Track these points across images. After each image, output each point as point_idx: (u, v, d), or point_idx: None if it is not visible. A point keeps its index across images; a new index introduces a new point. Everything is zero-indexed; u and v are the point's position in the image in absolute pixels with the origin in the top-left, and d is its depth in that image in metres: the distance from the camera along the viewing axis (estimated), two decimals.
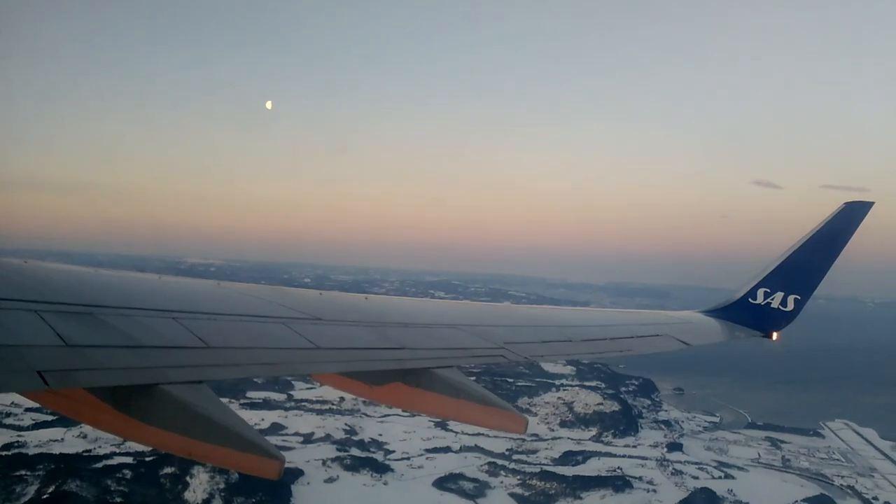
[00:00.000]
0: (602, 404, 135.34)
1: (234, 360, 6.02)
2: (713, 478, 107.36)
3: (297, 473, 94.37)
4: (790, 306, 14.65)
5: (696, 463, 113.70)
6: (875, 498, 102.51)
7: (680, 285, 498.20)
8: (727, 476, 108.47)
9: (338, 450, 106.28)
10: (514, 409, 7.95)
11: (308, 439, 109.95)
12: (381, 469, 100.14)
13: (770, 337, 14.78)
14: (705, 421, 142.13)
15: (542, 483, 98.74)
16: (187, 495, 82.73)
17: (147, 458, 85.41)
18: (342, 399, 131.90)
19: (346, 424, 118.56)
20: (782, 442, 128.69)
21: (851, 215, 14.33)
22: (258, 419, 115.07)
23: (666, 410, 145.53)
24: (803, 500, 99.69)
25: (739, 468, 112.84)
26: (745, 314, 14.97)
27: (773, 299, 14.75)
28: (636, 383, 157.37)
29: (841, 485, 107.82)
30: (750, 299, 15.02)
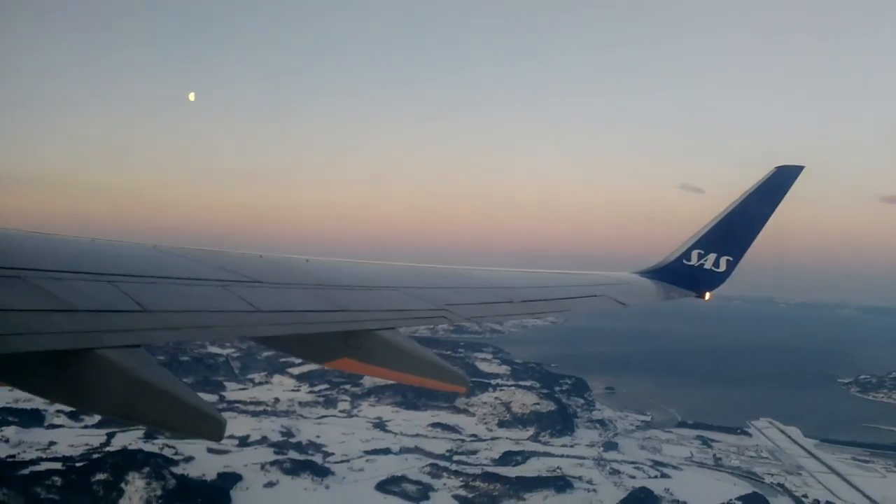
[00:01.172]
0: (538, 404, 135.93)
1: (172, 324, 5.89)
2: (650, 477, 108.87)
3: (235, 478, 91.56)
4: (722, 267, 15.17)
5: (633, 462, 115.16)
6: (805, 496, 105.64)
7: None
8: (663, 475, 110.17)
9: (275, 453, 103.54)
10: (457, 369, 8.16)
11: (244, 442, 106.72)
12: (321, 472, 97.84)
13: (702, 297, 15.32)
14: (637, 420, 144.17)
15: (486, 484, 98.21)
16: (122, 503, 78.78)
17: (78, 464, 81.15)
18: (276, 400, 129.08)
19: (282, 426, 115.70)
20: (712, 441, 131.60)
21: (782, 179, 14.78)
22: None
23: (599, 409, 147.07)
24: (737, 499, 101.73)
25: (674, 467, 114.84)
26: (680, 275, 15.43)
27: (706, 260, 15.24)
28: (569, 382, 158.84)
29: (771, 483, 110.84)
30: (684, 260, 15.44)
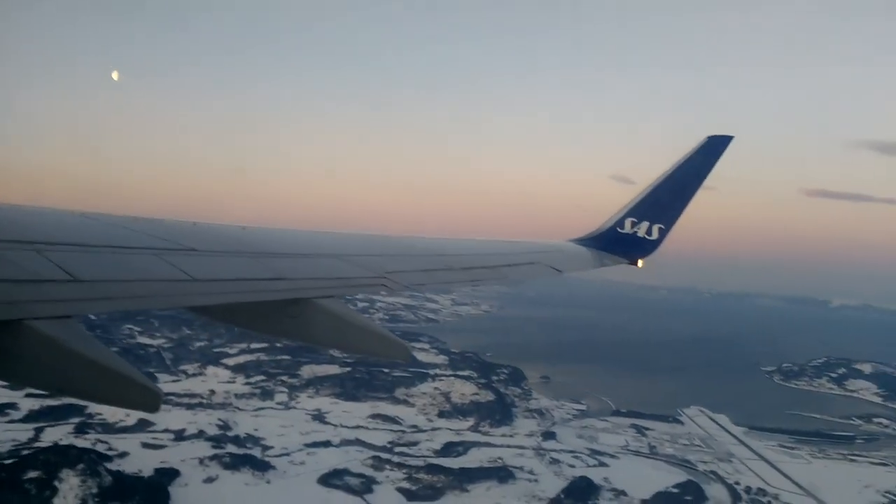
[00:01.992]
0: (477, 394, 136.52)
1: (105, 294, 5.72)
2: (588, 466, 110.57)
3: (173, 474, 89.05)
4: (655, 235, 15.81)
5: (571, 451, 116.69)
6: (737, 483, 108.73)
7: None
8: (601, 464, 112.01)
9: (213, 447, 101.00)
10: (396, 337, 8.29)
11: (180, 436, 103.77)
12: (261, 467, 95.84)
13: (635, 264, 16.04)
14: (573, 409, 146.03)
15: (429, 476, 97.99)
16: (57, 502, 75.50)
17: (6, 461, 77.44)
18: (212, 392, 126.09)
19: (219, 419, 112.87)
20: (646, 429, 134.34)
21: (712, 149, 15.25)
22: (122, 414, 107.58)
23: (536, 399, 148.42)
24: (673, 487, 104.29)
25: (611, 455, 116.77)
26: (614, 242, 16.07)
27: (639, 228, 15.86)
28: (506, 372, 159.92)
29: (704, 470, 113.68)
30: (618, 228, 16.04)
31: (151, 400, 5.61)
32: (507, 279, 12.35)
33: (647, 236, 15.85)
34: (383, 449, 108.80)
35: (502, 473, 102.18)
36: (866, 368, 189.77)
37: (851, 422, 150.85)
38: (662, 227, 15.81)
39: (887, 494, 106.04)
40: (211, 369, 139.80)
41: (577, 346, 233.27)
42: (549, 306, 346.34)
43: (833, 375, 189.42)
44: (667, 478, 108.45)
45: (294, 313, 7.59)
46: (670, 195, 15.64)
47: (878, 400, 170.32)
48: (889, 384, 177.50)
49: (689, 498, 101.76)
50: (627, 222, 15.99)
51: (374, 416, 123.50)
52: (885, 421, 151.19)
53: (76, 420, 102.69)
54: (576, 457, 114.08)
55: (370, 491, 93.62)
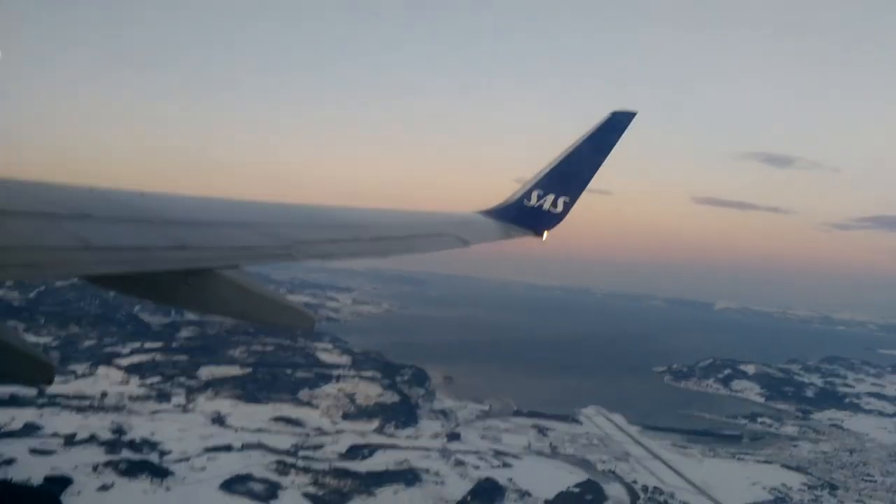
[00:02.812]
0: (382, 395, 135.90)
1: None
2: (493, 466, 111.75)
3: (64, 482, 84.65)
4: (560, 208, 16.16)
5: (475, 452, 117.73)
6: (634, 481, 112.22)
7: (435, 273, 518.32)
8: (505, 464, 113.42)
9: (107, 452, 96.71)
10: (301, 307, 8.33)
11: (71, 441, 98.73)
12: (159, 473, 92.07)
13: (541, 236, 16.29)
14: (476, 409, 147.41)
15: (335, 481, 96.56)
16: None
17: None
18: (104, 394, 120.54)
19: (112, 423, 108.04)
20: (548, 429, 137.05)
21: (616, 124, 15.57)
22: (6, 418, 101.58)
23: (440, 399, 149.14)
24: (574, 486, 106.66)
25: (514, 456, 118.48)
26: (520, 215, 16.26)
27: (545, 201, 16.14)
28: (409, 373, 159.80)
29: (603, 469, 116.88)
30: (525, 201, 16.30)
31: (45, 373, 5.46)
32: (415, 250, 12.35)
33: (552, 209, 16.16)
34: (287, 453, 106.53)
35: (409, 476, 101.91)
36: (750, 369, 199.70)
37: (738, 421, 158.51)
38: (567, 200, 16.15)
39: (773, 491, 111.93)
40: (102, 370, 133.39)
41: (477, 346, 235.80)
42: (450, 306, 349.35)
43: (719, 376, 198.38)
44: (568, 478, 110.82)
45: (196, 283, 7.48)
46: (575, 169, 15.98)
47: (760, 400, 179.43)
48: (771, 385, 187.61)
49: (589, 497, 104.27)
50: (534, 195, 16.24)
51: (277, 419, 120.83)
52: (768, 420, 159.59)
53: None
54: (480, 458, 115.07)
55: (275, 496, 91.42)
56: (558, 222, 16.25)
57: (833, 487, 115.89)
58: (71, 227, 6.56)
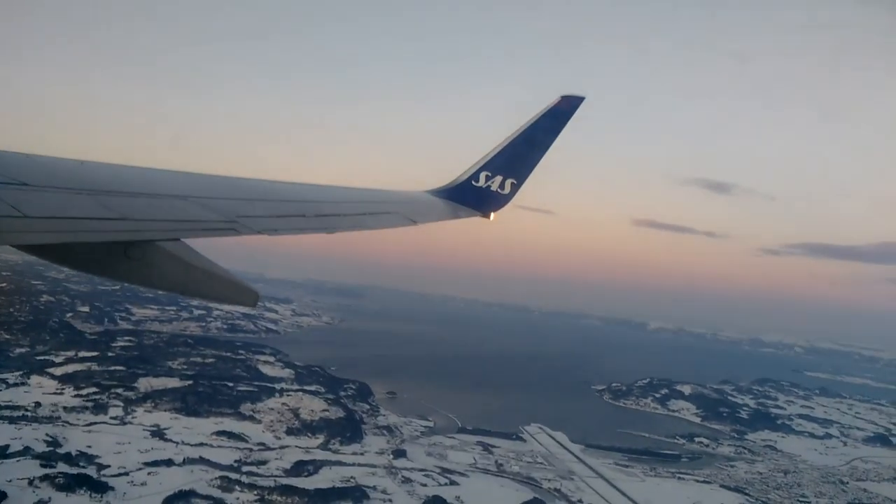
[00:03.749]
0: (327, 410, 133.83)
1: None
2: (440, 484, 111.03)
3: None
4: (507, 190, 16.38)
5: (422, 469, 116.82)
6: (580, 501, 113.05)
7: (374, 286, 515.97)
8: (452, 482, 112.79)
9: (42, 465, 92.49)
10: (244, 282, 8.35)
11: (3, 453, 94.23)
12: (99, 488, 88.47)
13: (488, 217, 16.53)
14: (421, 426, 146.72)
15: (282, 498, 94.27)
16: None
17: None
18: (37, 404, 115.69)
19: (46, 435, 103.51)
20: (492, 446, 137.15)
21: (565, 108, 15.88)
22: None
23: (384, 415, 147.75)
24: None
25: (461, 473, 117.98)
26: (468, 195, 16.47)
27: (493, 182, 16.37)
28: (353, 387, 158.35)
29: (549, 488, 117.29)
30: (473, 181, 16.51)
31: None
32: (362, 227, 12.30)
33: (499, 190, 16.29)
34: (230, 468, 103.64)
35: (356, 494, 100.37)
36: (686, 389, 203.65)
37: (676, 441, 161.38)
38: (515, 182, 16.31)
39: None
40: (35, 378, 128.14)
41: (418, 361, 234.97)
42: (389, 320, 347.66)
43: (657, 395, 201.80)
44: (514, 496, 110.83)
45: (135, 255, 7.41)
46: (523, 151, 16.16)
47: (697, 420, 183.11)
48: (706, 405, 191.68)
49: None
50: (482, 176, 16.38)
51: (219, 433, 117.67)
52: (705, 440, 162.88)
53: None
54: (427, 475, 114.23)
55: None
56: (506, 203, 16.48)
57: None
58: (5, 195, 6.34)
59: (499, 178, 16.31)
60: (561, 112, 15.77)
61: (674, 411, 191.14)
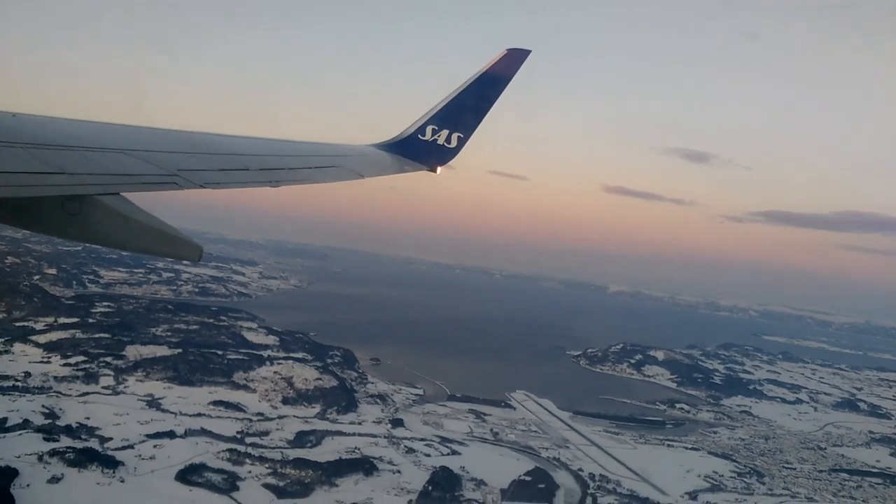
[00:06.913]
0: (320, 379, 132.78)
1: None
2: (442, 454, 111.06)
3: (10, 473, 78.05)
4: (454, 143, 16.21)
5: (421, 439, 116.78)
6: (580, 469, 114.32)
7: (337, 247, 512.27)
8: (453, 452, 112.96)
9: (45, 439, 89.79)
10: (186, 236, 8.22)
11: (3, 426, 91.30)
12: (110, 463, 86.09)
13: (434, 171, 16.44)
14: (411, 393, 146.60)
15: (295, 471, 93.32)
16: None
17: None
18: (27, 374, 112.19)
19: (43, 406, 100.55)
20: (485, 414, 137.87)
21: (511, 61, 15.65)
22: None
23: (373, 383, 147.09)
24: (525, 475, 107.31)
25: (460, 443, 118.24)
26: (415, 149, 16.30)
27: (439, 136, 16.20)
28: (339, 354, 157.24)
29: (547, 457, 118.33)
30: (419, 136, 16.33)
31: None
32: (308, 180, 12.10)
33: (446, 144, 16.12)
34: (233, 440, 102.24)
35: (366, 465, 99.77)
36: (659, 355, 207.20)
37: (657, 407, 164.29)
38: (461, 135, 16.11)
39: (707, 479, 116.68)
40: (18, 346, 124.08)
41: (392, 326, 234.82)
42: (357, 283, 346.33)
43: (632, 361, 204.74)
44: (516, 465, 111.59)
45: (73, 210, 7.35)
46: (470, 105, 15.91)
47: (672, 385, 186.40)
48: (680, 370, 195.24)
49: (542, 486, 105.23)
50: (428, 129, 16.18)
51: (215, 403, 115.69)
52: (685, 406, 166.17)
53: None
54: (428, 445, 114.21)
55: (236, 488, 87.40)
56: (452, 157, 16.29)
57: (760, 475, 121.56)
58: None
59: (445, 132, 16.10)
60: (507, 65, 15.45)
61: (649, 377, 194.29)
